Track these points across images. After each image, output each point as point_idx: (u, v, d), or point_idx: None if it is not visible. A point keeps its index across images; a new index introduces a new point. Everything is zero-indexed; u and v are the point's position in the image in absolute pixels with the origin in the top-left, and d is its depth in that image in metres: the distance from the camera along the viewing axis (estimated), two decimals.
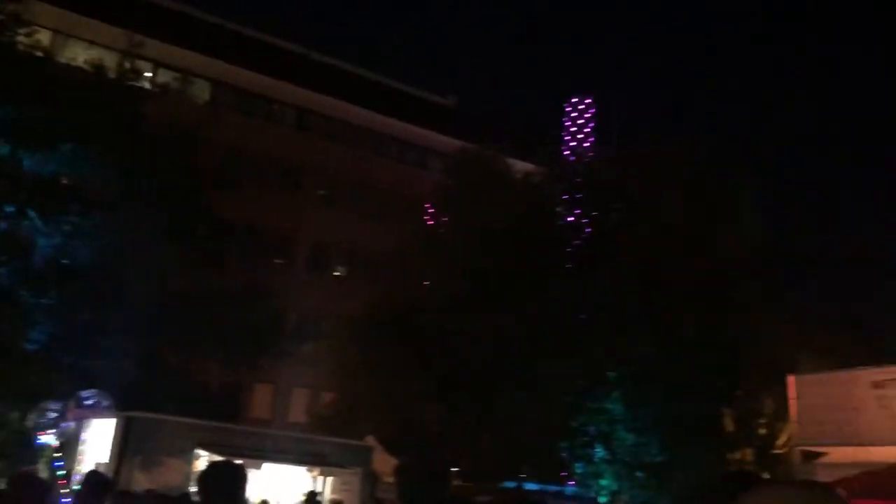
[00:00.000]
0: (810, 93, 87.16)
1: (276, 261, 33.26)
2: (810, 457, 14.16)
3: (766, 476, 22.16)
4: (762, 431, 24.24)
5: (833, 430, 13.67)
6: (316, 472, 16.59)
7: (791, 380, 14.92)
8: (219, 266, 21.31)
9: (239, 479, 3.76)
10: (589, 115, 32.80)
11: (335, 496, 16.37)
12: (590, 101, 33.19)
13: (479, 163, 24.83)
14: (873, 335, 24.36)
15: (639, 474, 19.95)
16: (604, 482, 20.37)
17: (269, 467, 15.29)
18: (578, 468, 20.95)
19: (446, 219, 25.80)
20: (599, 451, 20.44)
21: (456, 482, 20.55)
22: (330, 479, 16.59)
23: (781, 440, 23.17)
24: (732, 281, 21.49)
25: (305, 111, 36.46)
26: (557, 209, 24.75)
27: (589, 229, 24.19)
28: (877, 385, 13.19)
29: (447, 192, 25.41)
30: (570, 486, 22.50)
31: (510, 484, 21.90)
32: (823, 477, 13.41)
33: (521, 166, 25.94)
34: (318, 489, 16.28)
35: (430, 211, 28.12)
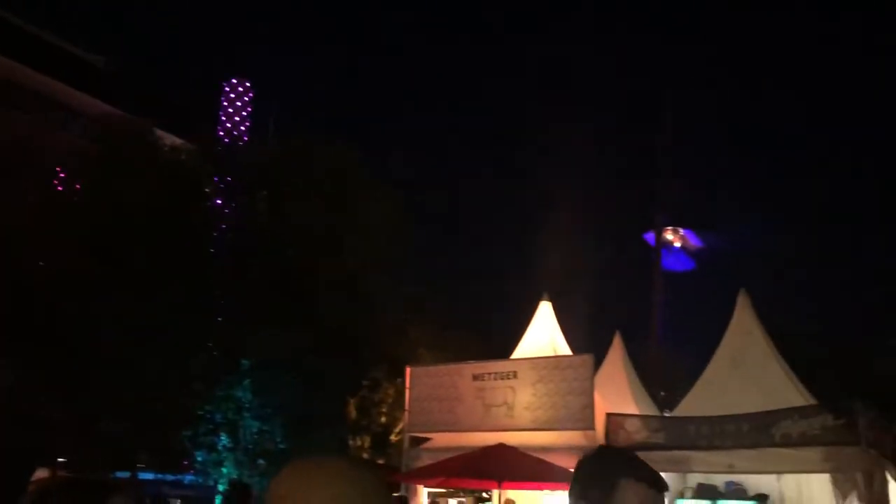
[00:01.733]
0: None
1: None
2: (417, 442, 15.51)
3: (380, 461, 23.85)
4: (382, 420, 26.02)
5: (438, 418, 15.13)
6: None
7: (408, 371, 16.19)
8: None
9: None
10: (247, 98, 32.28)
11: None
12: (248, 84, 32.69)
13: (125, 130, 23.08)
14: (482, 334, 27.48)
15: (260, 462, 20.10)
16: (225, 470, 20.17)
17: None
18: (199, 456, 20.47)
19: (79, 186, 23.53)
20: (223, 439, 20.20)
21: (61, 472, 18.81)
22: None
23: (398, 427, 25.06)
24: (367, 279, 22.72)
25: None
26: (206, 190, 23.97)
27: (236, 216, 23.82)
28: (476, 378, 14.90)
29: (84, 158, 23.20)
30: (190, 476, 21.91)
31: (123, 474, 20.68)
32: (427, 459, 14.79)
33: (170, 140, 24.69)
34: None
35: (61, 176, 25.42)
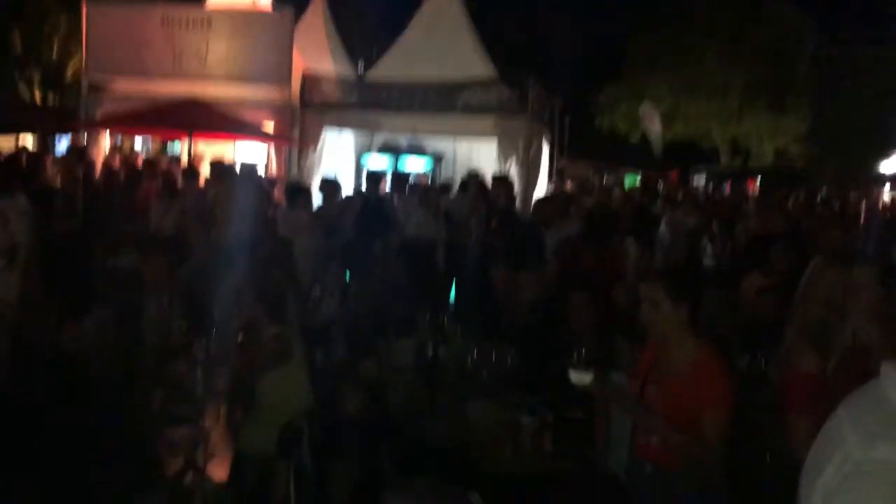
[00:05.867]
0: None
1: None
2: (97, 88, 14.28)
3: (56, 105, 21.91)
4: (54, 57, 23.44)
5: (123, 62, 13.88)
6: None
7: (84, 6, 14.29)
8: None
9: None
10: None
11: None
12: None
13: None
14: None
15: None
16: None
17: None
18: None
19: None
20: None
21: None
22: None
23: (72, 69, 22.79)
24: None
25: None
26: None
27: None
28: (165, 22, 13.69)
29: None
30: None
31: None
32: (110, 107, 13.89)
33: None
34: None
35: None
